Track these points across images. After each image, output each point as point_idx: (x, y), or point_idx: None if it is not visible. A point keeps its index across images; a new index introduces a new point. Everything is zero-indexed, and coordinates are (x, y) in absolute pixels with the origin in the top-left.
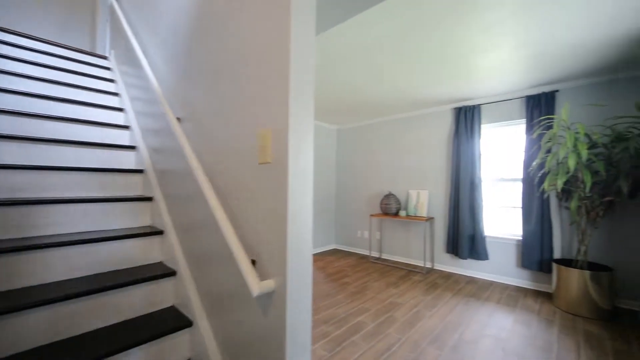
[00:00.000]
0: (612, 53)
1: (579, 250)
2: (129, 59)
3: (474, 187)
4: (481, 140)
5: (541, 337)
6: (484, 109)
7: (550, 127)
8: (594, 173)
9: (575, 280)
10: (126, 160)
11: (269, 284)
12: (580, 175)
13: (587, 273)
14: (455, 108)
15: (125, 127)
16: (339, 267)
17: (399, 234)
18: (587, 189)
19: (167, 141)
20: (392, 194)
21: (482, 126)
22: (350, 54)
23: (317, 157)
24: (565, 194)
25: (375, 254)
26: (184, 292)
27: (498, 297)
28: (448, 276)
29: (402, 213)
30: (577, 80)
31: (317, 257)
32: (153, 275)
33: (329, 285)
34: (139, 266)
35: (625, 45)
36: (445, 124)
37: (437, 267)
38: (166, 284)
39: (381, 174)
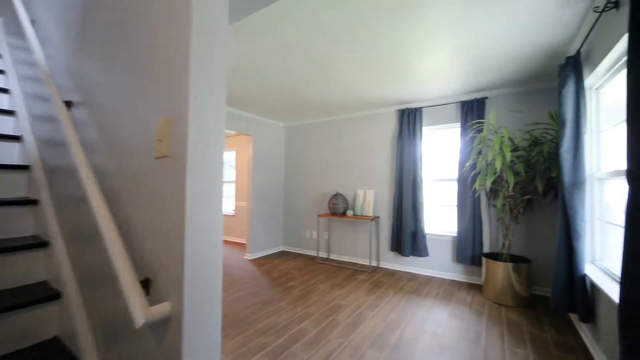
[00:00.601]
0: (530, 65)
1: (503, 245)
2: (18, 28)
3: (416, 186)
4: (422, 141)
5: (472, 329)
6: (425, 111)
7: (481, 131)
8: (516, 174)
9: (500, 272)
10: (8, 153)
11: (163, 309)
12: (505, 175)
13: (510, 265)
14: (399, 110)
15: (9, 113)
16: (285, 270)
17: (346, 233)
18: (510, 189)
19: (56, 130)
20: (340, 194)
21: (424, 128)
22: (291, 47)
23: (265, 156)
24: (493, 193)
25: (323, 255)
26: (70, 320)
27: (436, 292)
28: (392, 274)
29: (350, 213)
30: (503, 89)
31: (263, 260)
32: (29, 300)
33: (273, 290)
34: (16, 288)
35: (539, 58)
36: (390, 125)
37: (383, 265)
38: (50, 309)
39: (330, 174)
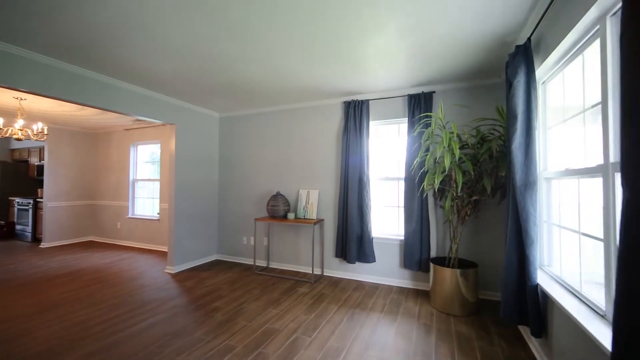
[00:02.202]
0: (478, 55)
1: (451, 248)
2: None
3: (362, 186)
4: (369, 137)
5: (421, 349)
6: (372, 104)
7: (429, 126)
8: (464, 173)
9: (448, 278)
10: None
11: None
12: (453, 174)
13: (457, 271)
14: (345, 102)
15: None
16: (213, 285)
17: (288, 239)
18: (459, 189)
19: None
20: (281, 194)
21: (371, 123)
22: (210, 10)
23: (194, 149)
24: (440, 193)
25: (262, 263)
26: None
27: (382, 304)
28: (337, 283)
29: (291, 216)
30: (451, 83)
31: (189, 273)
32: None
33: (191, 316)
34: None
35: (487, 47)
36: (335, 118)
37: (327, 273)
38: None
39: (269, 172)
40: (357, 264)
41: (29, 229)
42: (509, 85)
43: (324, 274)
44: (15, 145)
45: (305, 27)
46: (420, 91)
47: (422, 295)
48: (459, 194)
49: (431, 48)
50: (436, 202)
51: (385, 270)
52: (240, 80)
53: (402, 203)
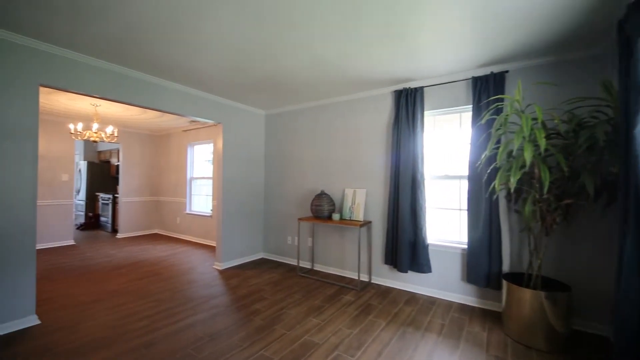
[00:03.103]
0: (572, 20)
1: (531, 264)
2: None
3: (415, 185)
4: (424, 129)
5: None
6: (427, 92)
7: (501, 112)
8: (550, 169)
9: (528, 302)
10: None
11: None
12: (536, 171)
13: (542, 293)
14: (396, 91)
15: None
16: (256, 286)
17: (333, 240)
18: (545, 189)
19: None
20: (325, 194)
21: (426, 113)
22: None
23: (240, 147)
24: (516, 194)
25: (306, 265)
26: None
27: (440, 324)
28: (386, 293)
29: (335, 216)
30: (530, 60)
31: (236, 271)
32: None
33: (230, 317)
34: None
35: (586, 7)
36: (384, 110)
37: (375, 280)
38: None
39: (313, 169)
40: (410, 273)
41: (109, 220)
42: (628, 49)
43: (372, 281)
44: (101, 147)
45: (349, 3)
46: (489, 72)
47: (490, 317)
48: (544, 196)
49: (506, 16)
50: (510, 206)
51: (443, 283)
52: (281, 73)
53: (464, 205)
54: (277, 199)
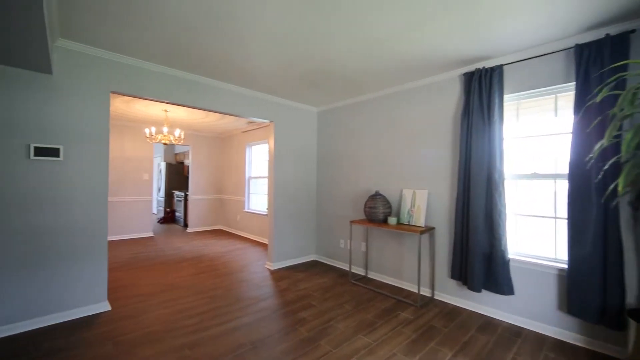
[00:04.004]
0: None
1: None
2: None
3: (492, 186)
4: (503, 118)
5: None
6: (507, 71)
7: (623, 85)
8: None
9: None
10: None
11: None
12: None
13: None
14: (466, 74)
15: None
16: (305, 291)
17: (389, 247)
18: None
19: None
20: (380, 195)
21: (506, 97)
22: None
23: (291, 146)
24: None
25: (359, 271)
26: None
27: None
28: (453, 314)
29: (392, 220)
30: None
31: (287, 272)
32: None
33: (276, 324)
34: None
35: None
36: (450, 98)
37: (439, 297)
38: None
39: (367, 168)
40: (484, 292)
41: (182, 216)
42: None
43: (435, 297)
44: (177, 150)
45: None
46: (603, 35)
47: None
48: None
49: None
50: (637, 215)
51: (531, 310)
52: (333, 62)
53: (562, 213)
54: (330, 200)
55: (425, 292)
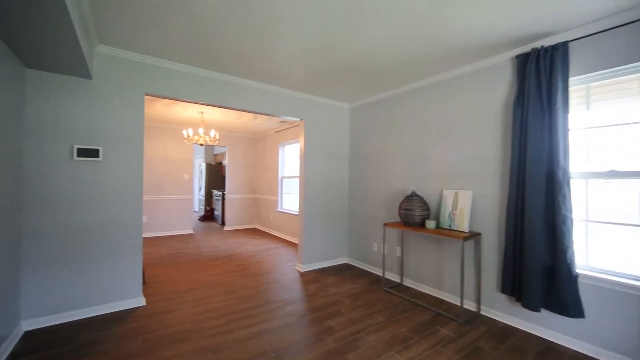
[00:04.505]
0: None
1: None
2: None
3: (554, 187)
4: (569, 104)
5: None
6: (574, 49)
7: None
8: None
9: None
10: None
11: None
12: None
13: None
14: (520, 55)
15: None
16: (334, 296)
17: (427, 253)
18: None
19: None
20: (417, 195)
21: (572, 81)
22: None
23: (325, 145)
24: None
25: (394, 278)
26: None
27: None
28: (503, 333)
29: (430, 224)
30: None
31: (317, 274)
32: None
33: (302, 331)
34: None
35: None
36: (500, 85)
37: (487, 312)
38: None
39: (403, 166)
40: (544, 312)
41: (220, 214)
42: None
43: (481, 312)
44: (216, 151)
45: None
46: None
47: None
48: None
49: None
50: None
51: (607, 338)
52: (366, 51)
53: None
54: (363, 200)
55: (470, 305)
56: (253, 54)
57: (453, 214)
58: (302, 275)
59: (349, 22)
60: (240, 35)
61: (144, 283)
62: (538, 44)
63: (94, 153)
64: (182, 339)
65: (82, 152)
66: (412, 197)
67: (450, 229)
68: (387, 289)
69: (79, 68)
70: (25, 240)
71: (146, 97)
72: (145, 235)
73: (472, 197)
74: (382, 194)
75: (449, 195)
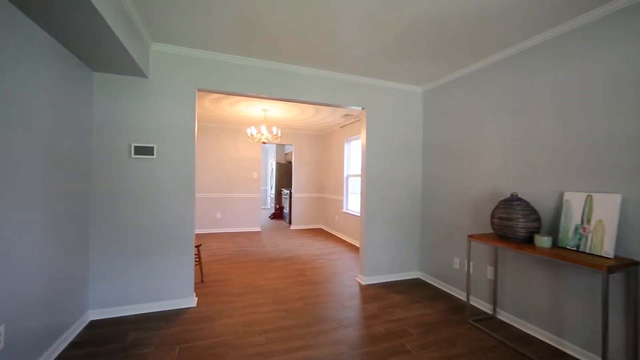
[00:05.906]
0: None
1: None
2: None
3: None
4: None
5: None
6: None
7: None
8: None
9: None
10: None
11: None
12: None
13: None
14: None
15: None
16: (399, 323)
17: (536, 279)
18: None
19: None
20: (520, 199)
21: None
22: None
23: (391, 137)
24: None
25: (482, 307)
26: None
27: None
28: None
29: (543, 241)
30: None
31: (380, 290)
32: None
33: None
34: None
35: None
36: (636, 40)
37: None
38: None
39: (495, 159)
40: None
41: (287, 213)
42: None
43: None
44: (287, 150)
45: None
46: None
47: None
48: None
49: None
50: None
51: None
52: (436, 7)
53: None
54: (440, 204)
55: None
56: (306, 35)
57: (583, 229)
58: (363, 289)
59: None
60: (292, 15)
61: (201, 281)
62: None
63: (149, 151)
64: (219, 354)
65: (139, 150)
66: (511, 202)
67: (578, 251)
68: (472, 321)
69: (132, 67)
70: (93, 236)
71: (212, 96)
72: (218, 230)
73: (621, 204)
74: (466, 197)
75: (575, 200)
